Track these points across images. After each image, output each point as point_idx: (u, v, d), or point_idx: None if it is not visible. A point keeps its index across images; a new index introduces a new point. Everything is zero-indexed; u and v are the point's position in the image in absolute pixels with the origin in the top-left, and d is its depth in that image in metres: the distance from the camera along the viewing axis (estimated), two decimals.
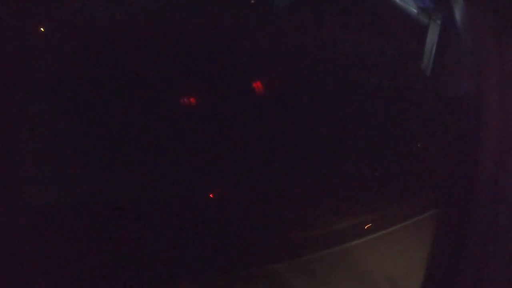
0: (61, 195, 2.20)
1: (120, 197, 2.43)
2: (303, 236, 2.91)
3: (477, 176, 1.81)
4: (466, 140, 1.87)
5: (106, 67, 2.32)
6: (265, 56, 2.84)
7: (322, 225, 2.99)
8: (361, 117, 3.16)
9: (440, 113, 2.70)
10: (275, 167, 2.90)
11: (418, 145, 3.07)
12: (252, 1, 2.83)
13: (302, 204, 2.96)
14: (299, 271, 2.73)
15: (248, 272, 2.63)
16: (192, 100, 2.68)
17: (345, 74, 3.18)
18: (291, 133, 2.97)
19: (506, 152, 1.77)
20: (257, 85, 2.85)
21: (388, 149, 3.17)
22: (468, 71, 1.88)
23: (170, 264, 2.41)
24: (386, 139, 3.17)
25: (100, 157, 2.40)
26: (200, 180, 2.67)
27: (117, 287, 2.24)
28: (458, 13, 1.95)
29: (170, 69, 2.58)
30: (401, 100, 3.19)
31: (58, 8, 2.05)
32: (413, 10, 3.21)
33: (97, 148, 2.38)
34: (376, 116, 3.17)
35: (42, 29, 1.99)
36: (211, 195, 2.72)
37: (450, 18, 2.07)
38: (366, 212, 3.19)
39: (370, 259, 2.93)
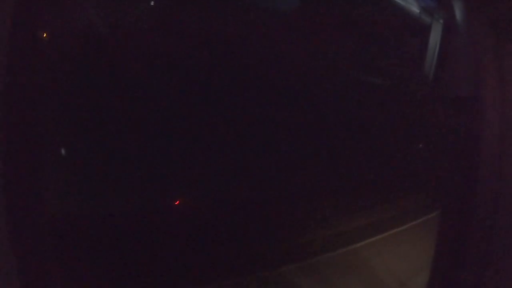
0: (77, 204, 2.27)
1: (134, 203, 2.47)
2: (309, 239, 2.91)
3: (477, 176, 1.80)
4: (467, 140, 1.86)
5: (106, 73, 2.35)
6: (268, 60, 2.84)
7: (329, 228, 2.99)
8: (363, 119, 3.15)
9: (442, 114, 2.68)
10: (281, 172, 2.90)
11: (420, 146, 3.06)
12: (254, 4, 2.83)
13: (308, 207, 2.96)
14: (307, 273, 2.74)
15: (257, 275, 2.63)
16: (196, 103, 2.69)
17: (348, 75, 3.17)
18: (296, 137, 2.97)
19: (506, 152, 1.77)
20: (261, 88, 2.85)
21: (391, 151, 3.16)
22: (469, 71, 1.87)
23: (179, 268, 2.43)
24: (388, 140, 3.15)
25: (110, 164, 2.44)
26: (209, 185, 2.69)
27: None
28: (458, 15, 1.94)
29: (172, 73, 2.60)
30: (402, 101, 3.18)
31: (60, 14, 2.08)
32: (416, 10, 3.19)
33: (103, 154, 2.42)
34: (378, 117, 3.16)
35: (45, 34, 2.02)
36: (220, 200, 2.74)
37: (451, 20, 2.06)
38: (372, 213, 3.19)
39: (377, 260, 2.92)
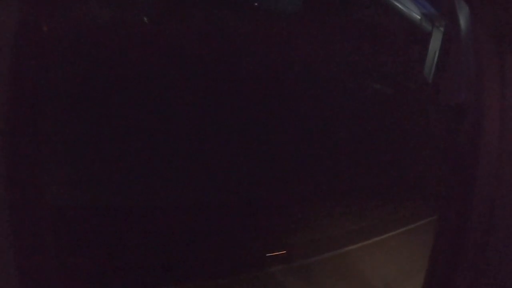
0: (80, 196, 2.28)
1: (125, 200, 2.47)
2: (300, 241, 2.91)
3: (475, 182, 1.82)
4: (465, 147, 1.87)
5: (107, 68, 2.34)
6: (269, 61, 2.85)
7: (319, 230, 3.00)
8: (361, 123, 3.17)
9: (440, 120, 2.71)
10: (274, 173, 2.91)
11: (417, 152, 3.09)
12: (256, 4, 2.82)
13: (299, 209, 2.97)
14: (295, 275, 2.74)
15: (245, 276, 2.63)
16: (196, 104, 2.69)
17: (348, 80, 3.18)
18: (289, 139, 2.98)
19: (504, 159, 1.78)
20: (261, 89, 2.85)
21: (387, 155, 3.18)
22: (469, 79, 1.89)
23: (170, 267, 2.43)
24: (384, 145, 3.17)
25: (110, 159, 2.44)
26: (201, 185, 2.68)
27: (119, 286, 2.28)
28: (462, 22, 1.95)
29: (173, 71, 2.59)
30: (402, 106, 3.20)
31: (61, 7, 2.06)
32: (417, 16, 3.21)
33: (104, 149, 2.42)
34: (376, 122, 3.18)
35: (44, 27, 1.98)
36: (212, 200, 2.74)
37: (453, 26, 2.07)
38: (363, 217, 3.20)
39: (366, 265, 2.93)
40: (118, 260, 2.28)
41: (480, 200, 1.80)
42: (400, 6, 3.10)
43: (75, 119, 2.29)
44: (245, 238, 2.73)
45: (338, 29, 2.94)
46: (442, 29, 3.04)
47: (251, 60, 2.77)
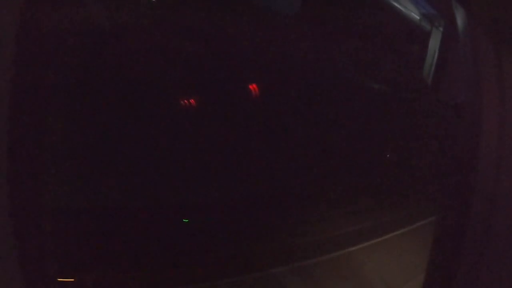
0: (81, 198, 2.27)
1: (126, 201, 2.46)
2: (301, 242, 2.91)
3: (475, 181, 1.82)
4: (464, 146, 1.88)
5: (106, 70, 2.34)
6: (268, 61, 2.85)
7: (321, 231, 2.99)
8: (361, 123, 3.16)
9: (440, 120, 2.71)
10: (274, 174, 2.90)
11: (417, 152, 3.08)
12: (255, 4, 2.83)
13: (301, 210, 2.96)
14: (296, 276, 2.73)
15: (246, 277, 2.62)
16: (194, 104, 2.69)
17: (347, 80, 3.18)
18: (291, 139, 2.97)
19: (503, 158, 1.78)
20: (260, 90, 2.85)
21: (387, 156, 3.18)
22: (468, 78, 1.89)
23: (171, 268, 2.43)
24: (385, 146, 3.17)
25: (112, 160, 2.44)
26: (201, 185, 2.68)
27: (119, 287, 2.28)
28: (459, 22, 1.96)
29: (173, 73, 2.59)
30: (401, 106, 3.20)
31: (60, 9, 2.06)
32: (416, 16, 3.21)
33: (105, 150, 2.42)
34: (376, 122, 3.18)
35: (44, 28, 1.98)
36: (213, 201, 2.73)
37: (451, 26, 2.07)
38: (364, 218, 3.20)
39: (368, 265, 2.93)
40: (120, 261, 2.28)
41: (479, 200, 1.81)
42: (399, 6, 3.10)
43: (76, 120, 2.29)
44: (245, 239, 2.73)
45: (337, 29, 2.94)
46: (441, 29, 3.03)
47: (250, 60, 2.77)
